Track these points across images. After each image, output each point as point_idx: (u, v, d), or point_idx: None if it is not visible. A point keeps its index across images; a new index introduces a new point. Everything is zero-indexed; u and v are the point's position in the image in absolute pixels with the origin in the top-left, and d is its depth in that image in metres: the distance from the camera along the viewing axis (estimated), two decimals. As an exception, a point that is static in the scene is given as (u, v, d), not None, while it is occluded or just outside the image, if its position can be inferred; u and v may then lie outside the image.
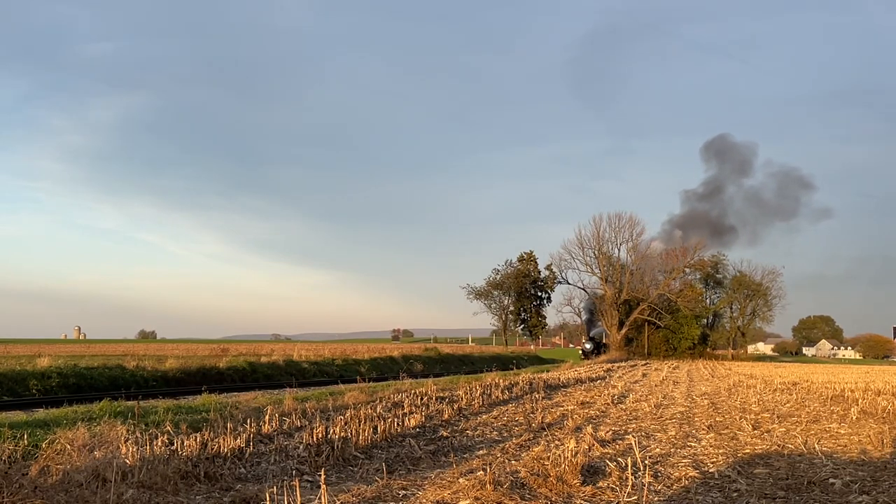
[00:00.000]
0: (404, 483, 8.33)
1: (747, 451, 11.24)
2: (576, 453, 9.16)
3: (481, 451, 11.18)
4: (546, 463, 8.89)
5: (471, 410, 16.60)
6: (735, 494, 8.11)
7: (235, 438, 10.29)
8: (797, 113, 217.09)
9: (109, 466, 7.81)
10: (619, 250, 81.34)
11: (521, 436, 12.79)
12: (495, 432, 13.35)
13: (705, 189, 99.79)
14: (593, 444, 11.26)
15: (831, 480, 8.57)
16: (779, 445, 11.70)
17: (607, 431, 13.28)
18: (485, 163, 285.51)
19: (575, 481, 8.34)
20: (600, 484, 8.43)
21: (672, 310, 79.41)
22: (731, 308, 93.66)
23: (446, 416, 15.05)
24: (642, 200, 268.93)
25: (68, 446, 8.91)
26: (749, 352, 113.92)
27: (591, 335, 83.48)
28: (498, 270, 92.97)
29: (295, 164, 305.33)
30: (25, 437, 9.99)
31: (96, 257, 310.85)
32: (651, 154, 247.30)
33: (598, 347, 77.64)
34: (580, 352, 79.76)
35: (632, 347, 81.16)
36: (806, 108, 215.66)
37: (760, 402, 19.54)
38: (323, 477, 7.05)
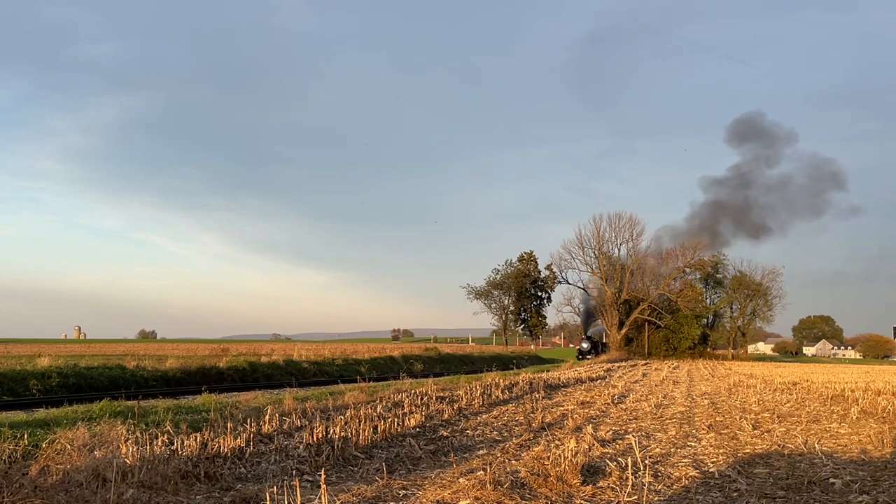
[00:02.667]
0: (404, 483, 8.33)
1: (747, 450, 11.24)
2: (576, 453, 9.15)
3: (481, 451, 11.17)
4: (546, 463, 8.88)
5: (471, 410, 16.59)
6: (735, 494, 8.10)
7: (235, 438, 10.29)
8: (797, 113, 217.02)
9: (109, 466, 7.80)
10: (619, 250, 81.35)
11: (521, 436, 12.78)
12: (495, 432, 13.34)
13: (733, 174, 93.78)
14: (593, 444, 11.26)
15: (831, 480, 8.56)
16: (779, 445, 11.69)
17: (607, 431, 13.28)
18: (485, 163, 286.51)
19: (575, 481, 8.33)
20: (600, 484, 8.43)
21: (672, 310, 79.34)
22: (731, 308, 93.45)
23: (446, 415, 15.05)
24: (642, 200, 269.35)
25: (68, 446, 8.91)
26: (749, 352, 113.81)
27: (588, 334, 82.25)
28: (498, 270, 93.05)
29: (295, 164, 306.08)
30: (25, 436, 9.99)
31: (96, 257, 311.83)
32: (651, 154, 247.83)
33: (596, 347, 76.15)
34: (577, 351, 78.23)
35: (632, 347, 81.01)
36: (806, 109, 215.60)
37: (760, 402, 19.53)
38: (323, 477, 7.05)
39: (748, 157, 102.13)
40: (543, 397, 20.54)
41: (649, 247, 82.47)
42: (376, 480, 8.42)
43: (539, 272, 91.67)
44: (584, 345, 76.67)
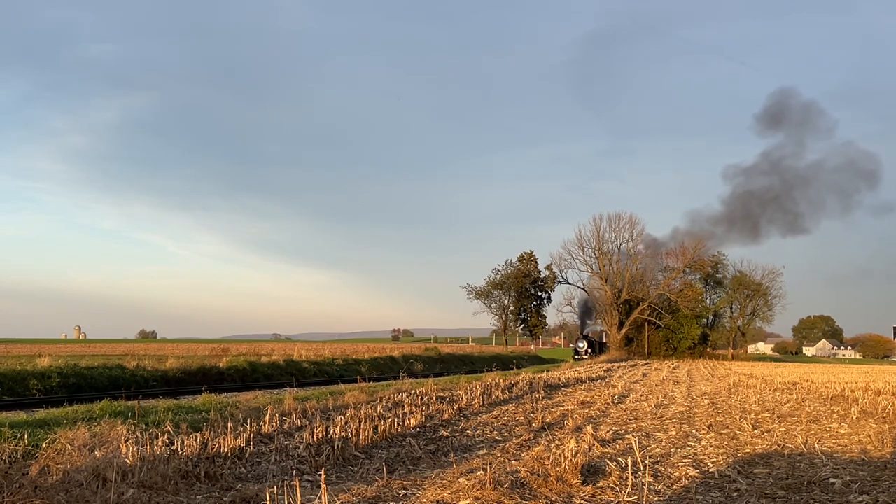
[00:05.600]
0: (404, 483, 8.33)
1: (747, 450, 11.24)
2: (576, 453, 9.15)
3: (481, 451, 11.17)
4: (546, 463, 8.89)
5: (471, 410, 16.59)
6: (735, 494, 8.10)
7: (235, 438, 10.29)
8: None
9: (110, 466, 7.80)
10: (619, 250, 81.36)
11: (521, 436, 12.78)
12: (495, 432, 13.34)
13: (765, 162, 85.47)
14: (593, 444, 11.26)
15: (831, 480, 8.56)
16: (779, 445, 11.69)
17: (607, 431, 13.28)
18: (485, 163, 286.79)
19: (575, 481, 8.33)
20: (600, 484, 8.43)
21: (672, 310, 79.33)
22: (731, 308, 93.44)
23: (446, 415, 15.05)
24: (642, 200, 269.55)
25: (68, 446, 8.91)
26: (749, 352, 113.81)
27: (585, 334, 79.65)
28: (498, 270, 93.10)
29: (295, 164, 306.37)
30: (26, 436, 9.99)
31: (96, 257, 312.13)
32: (651, 154, 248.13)
33: (593, 347, 73.12)
34: (573, 353, 74.59)
35: (632, 347, 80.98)
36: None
37: (760, 402, 19.53)
38: (323, 477, 7.05)
39: (782, 142, 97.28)
40: (543, 397, 20.54)
41: (647, 249, 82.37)
42: (376, 480, 8.42)
43: (539, 272, 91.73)
44: (581, 344, 73.23)
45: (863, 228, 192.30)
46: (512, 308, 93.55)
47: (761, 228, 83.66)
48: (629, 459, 8.91)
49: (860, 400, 18.23)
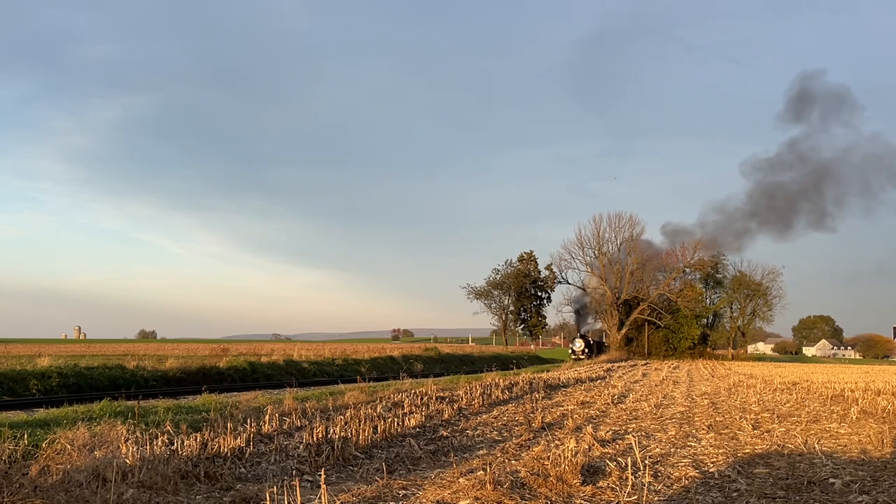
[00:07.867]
0: (404, 483, 8.33)
1: (747, 450, 11.24)
2: (576, 453, 9.16)
3: (481, 451, 11.17)
4: (546, 463, 8.89)
5: (471, 410, 16.59)
6: (735, 494, 8.10)
7: (235, 438, 10.29)
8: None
9: (109, 466, 7.80)
10: (619, 250, 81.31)
11: (521, 436, 12.78)
12: (495, 432, 13.34)
13: (790, 153, 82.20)
14: (593, 444, 11.26)
15: (831, 480, 8.56)
16: (779, 445, 11.69)
17: (607, 431, 13.28)
18: (485, 163, 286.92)
19: (575, 481, 8.33)
20: (600, 484, 8.43)
21: (672, 310, 79.30)
22: (731, 308, 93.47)
23: (446, 415, 15.05)
24: (642, 200, 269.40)
25: (68, 446, 8.91)
26: (749, 352, 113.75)
27: (581, 333, 77.18)
28: (498, 270, 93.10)
29: (295, 165, 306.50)
30: (25, 436, 9.99)
31: (97, 257, 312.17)
32: (651, 154, 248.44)
33: (591, 346, 70.49)
34: (569, 352, 71.69)
35: (632, 347, 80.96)
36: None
37: (760, 402, 19.54)
38: (323, 477, 7.05)
39: (808, 132, 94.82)
40: (543, 397, 20.54)
41: (646, 245, 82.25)
42: (376, 480, 8.42)
43: (539, 272, 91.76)
44: (577, 344, 69.79)
45: (884, 226, 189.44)
46: (512, 308, 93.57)
47: (792, 222, 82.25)
48: (629, 459, 8.91)
49: (860, 400, 18.23)
